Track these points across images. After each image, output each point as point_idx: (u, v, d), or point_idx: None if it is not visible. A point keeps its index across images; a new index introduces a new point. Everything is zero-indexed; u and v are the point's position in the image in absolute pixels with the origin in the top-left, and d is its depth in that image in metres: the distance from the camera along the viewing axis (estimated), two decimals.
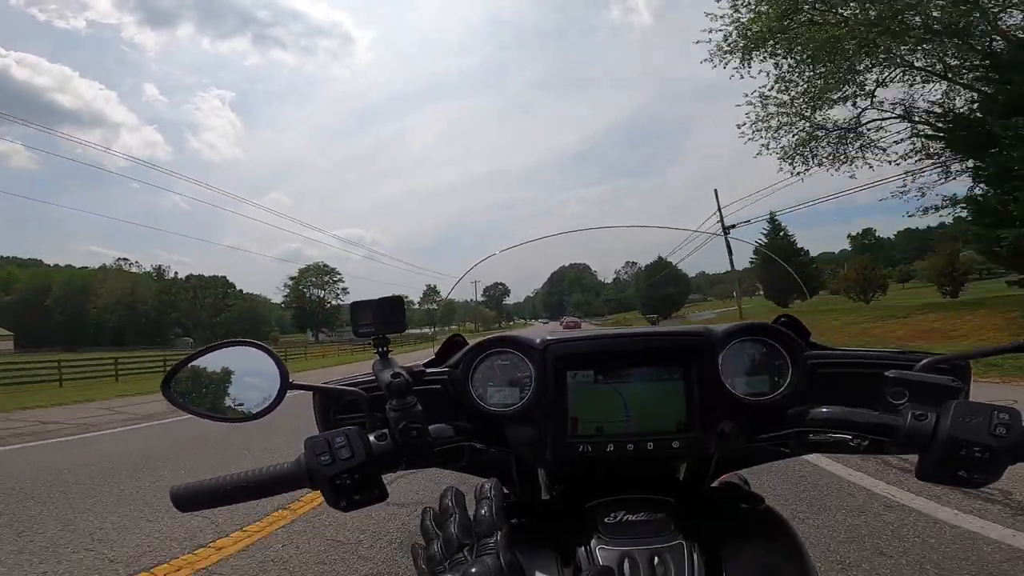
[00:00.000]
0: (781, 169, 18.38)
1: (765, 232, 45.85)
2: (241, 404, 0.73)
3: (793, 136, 17.90)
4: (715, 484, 0.91)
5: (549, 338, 0.78)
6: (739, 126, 18.21)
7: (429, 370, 0.81)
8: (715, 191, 29.57)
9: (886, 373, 0.65)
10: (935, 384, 0.63)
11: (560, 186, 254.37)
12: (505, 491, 0.98)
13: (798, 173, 18.59)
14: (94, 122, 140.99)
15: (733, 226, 27.88)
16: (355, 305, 0.75)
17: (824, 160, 18.20)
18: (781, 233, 46.35)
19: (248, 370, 0.73)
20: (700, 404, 0.74)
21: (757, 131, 17.90)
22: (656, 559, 0.63)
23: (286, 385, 0.69)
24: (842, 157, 18.00)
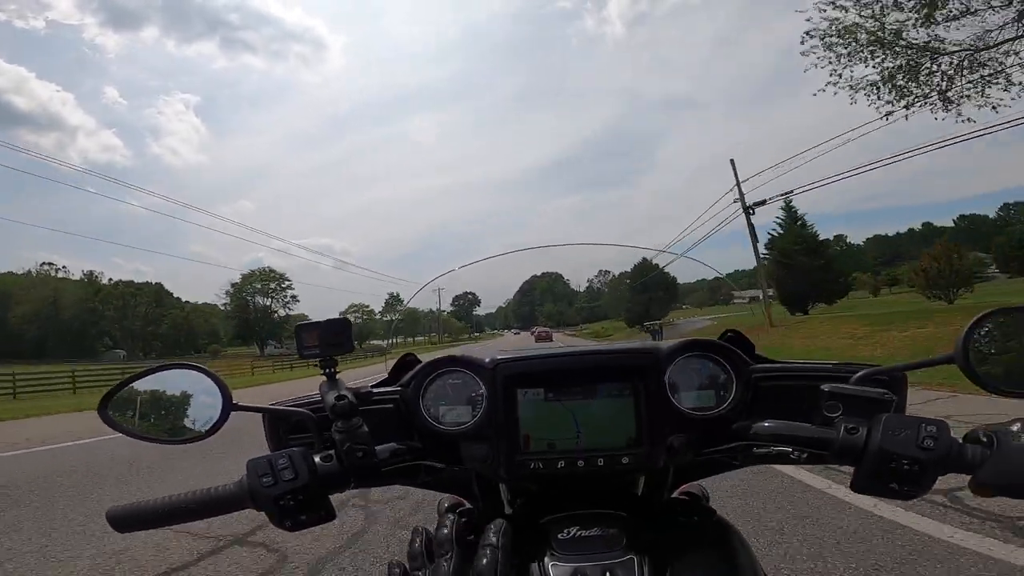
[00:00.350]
0: (854, 102, 13.06)
1: (780, 221, 39.00)
2: (183, 426, 0.72)
3: (887, 61, 12.53)
4: (675, 495, 0.92)
5: (499, 357, 0.79)
6: (807, 34, 13.31)
7: (380, 390, 0.82)
8: (731, 161, 24.73)
9: (822, 387, 0.67)
10: (867, 397, 0.65)
11: (534, 197, 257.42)
12: (468, 506, 0.98)
13: (887, 114, 13.55)
14: (51, 125, 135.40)
15: (762, 202, 24.73)
16: (300, 327, 0.75)
17: (935, 91, 12.47)
18: (799, 223, 38.10)
19: (190, 392, 0.72)
20: (648, 420, 0.75)
21: (831, 47, 12.74)
22: (607, 574, 0.63)
23: (229, 407, 0.69)
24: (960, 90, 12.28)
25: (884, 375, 0.69)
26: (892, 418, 0.61)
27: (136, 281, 71.26)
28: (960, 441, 0.60)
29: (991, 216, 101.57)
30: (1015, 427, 0.58)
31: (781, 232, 39.24)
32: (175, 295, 77.88)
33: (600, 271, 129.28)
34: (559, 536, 0.70)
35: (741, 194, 24.80)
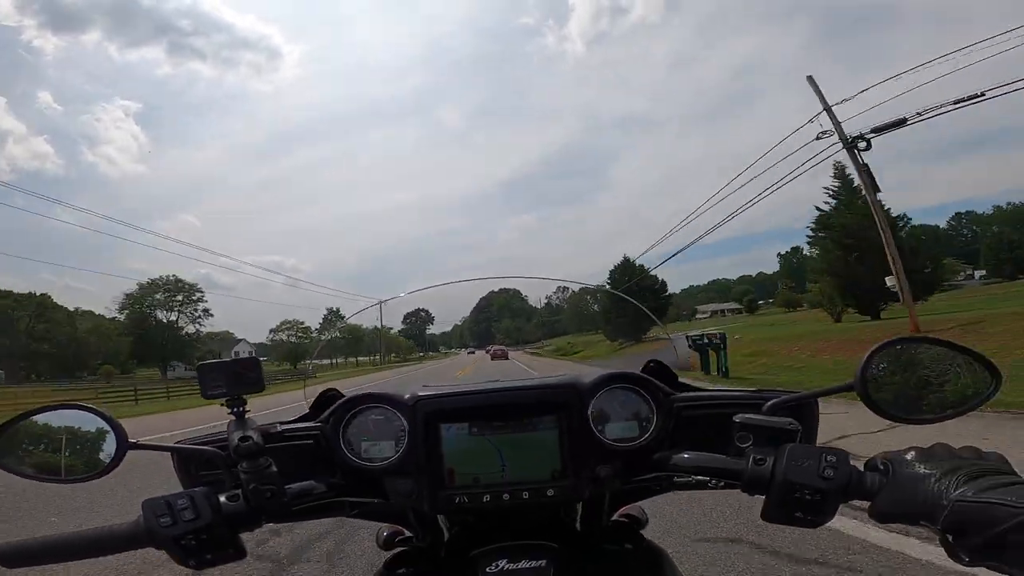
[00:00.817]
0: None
1: (833, 190, 28.27)
2: (76, 465, 0.69)
3: None
4: (615, 516, 0.93)
5: (420, 393, 0.79)
6: None
7: (297, 425, 0.81)
8: (809, 78, 16.33)
9: (733, 417, 0.69)
10: (774, 428, 0.67)
11: (492, 214, 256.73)
12: (407, 534, 0.96)
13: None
14: None
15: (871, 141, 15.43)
16: (202, 367, 0.73)
17: None
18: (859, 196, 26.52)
19: (84, 430, 0.69)
20: (572, 452, 0.76)
21: None
22: None
23: (125, 446, 0.67)
24: None
25: (794, 403, 0.72)
26: (796, 448, 0.63)
27: (16, 292, 58.60)
28: (860, 469, 0.62)
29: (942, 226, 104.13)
30: (909, 455, 0.60)
31: (838, 204, 28.92)
32: (73, 308, 65.87)
33: (558, 288, 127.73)
34: (487, 569, 0.70)
35: (835, 122, 15.97)
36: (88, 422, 0.68)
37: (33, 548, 0.62)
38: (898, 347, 0.67)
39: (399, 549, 0.91)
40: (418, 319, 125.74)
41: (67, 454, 0.69)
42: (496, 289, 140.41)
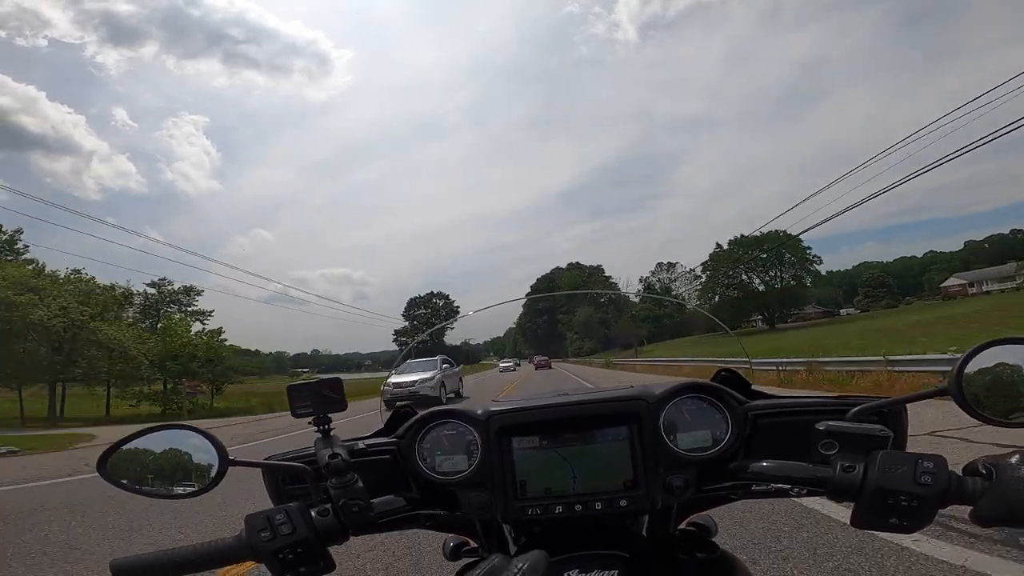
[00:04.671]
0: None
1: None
2: (180, 483, 0.73)
3: None
4: (682, 526, 0.92)
5: (492, 409, 0.81)
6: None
7: (376, 441, 0.84)
8: None
9: (816, 425, 0.67)
10: (863, 435, 0.65)
11: (551, 225, 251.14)
12: (473, 545, 0.98)
13: None
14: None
15: None
16: (292, 388, 0.76)
17: None
18: None
19: (187, 449, 0.73)
20: (644, 462, 0.76)
21: None
22: None
23: (226, 463, 0.71)
24: None
25: (882, 409, 0.69)
26: (888, 455, 0.62)
27: None
28: (959, 474, 0.61)
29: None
30: (1014, 459, 0.59)
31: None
32: None
33: (658, 264, 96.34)
34: None
35: None
36: (192, 441, 0.73)
37: (146, 563, 0.66)
38: (996, 348, 0.64)
39: (467, 560, 0.93)
40: (427, 314, 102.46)
41: (173, 472, 0.73)
42: (564, 266, 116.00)
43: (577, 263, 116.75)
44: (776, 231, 55.76)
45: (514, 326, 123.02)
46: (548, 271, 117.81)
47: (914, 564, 2.57)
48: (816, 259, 70.76)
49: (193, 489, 0.72)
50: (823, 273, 75.59)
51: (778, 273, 70.81)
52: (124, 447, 0.73)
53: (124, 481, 0.73)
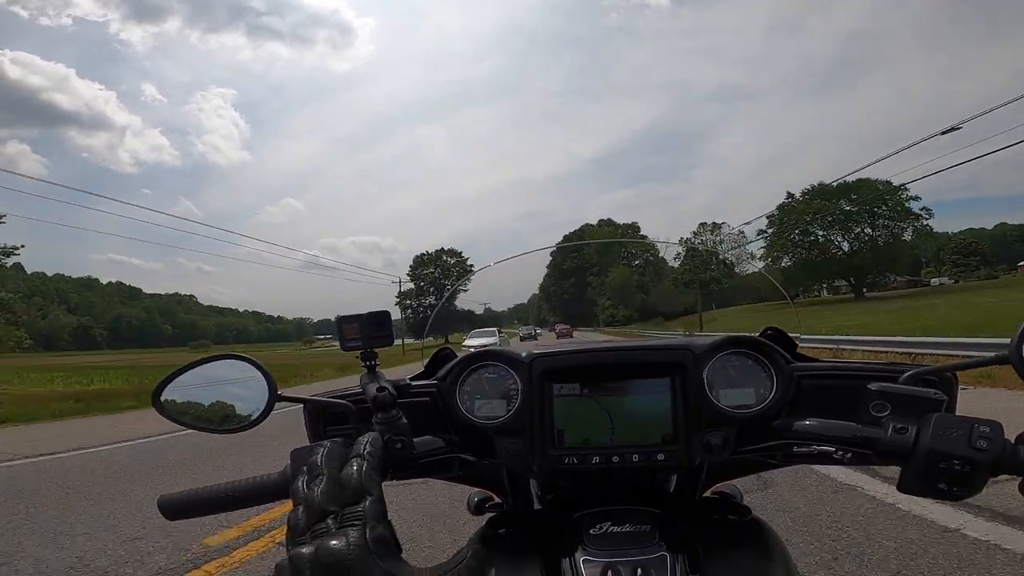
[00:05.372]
0: None
1: None
2: (230, 415, 0.74)
3: None
4: (707, 494, 0.91)
5: (535, 352, 0.80)
6: None
7: (417, 383, 0.83)
8: None
9: (869, 385, 0.66)
10: (917, 397, 0.63)
11: (582, 193, 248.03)
12: (497, 500, 0.99)
13: None
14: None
15: None
16: (341, 319, 0.76)
17: None
18: None
19: (237, 382, 0.74)
20: (685, 417, 0.75)
21: None
22: (639, 570, 0.63)
23: (274, 397, 0.71)
24: None
25: (934, 375, 0.67)
26: (943, 418, 0.60)
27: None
28: (1013, 443, 0.58)
29: None
30: None
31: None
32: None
33: (703, 224, 77.70)
34: (591, 531, 0.70)
35: None
36: (242, 372, 0.73)
37: (192, 500, 0.68)
38: None
39: (491, 514, 0.93)
40: (436, 274, 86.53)
41: (222, 405, 0.75)
42: (595, 223, 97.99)
43: (610, 219, 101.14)
44: (867, 180, 47.59)
45: (538, 291, 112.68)
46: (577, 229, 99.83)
47: (937, 535, 2.55)
48: (925, 213, 57.00)
49: (242, 423, 0.73)
50: (930, 231, 59.40)
51: (868, 230, 57.75)
52: (178, 377, 0.74)
53: (175, 415, 0.74)
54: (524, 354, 0.80)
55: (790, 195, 57.60)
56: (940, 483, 0.58)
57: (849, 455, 0.69)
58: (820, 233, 58.98)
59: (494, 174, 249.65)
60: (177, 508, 0.68)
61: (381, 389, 0.70)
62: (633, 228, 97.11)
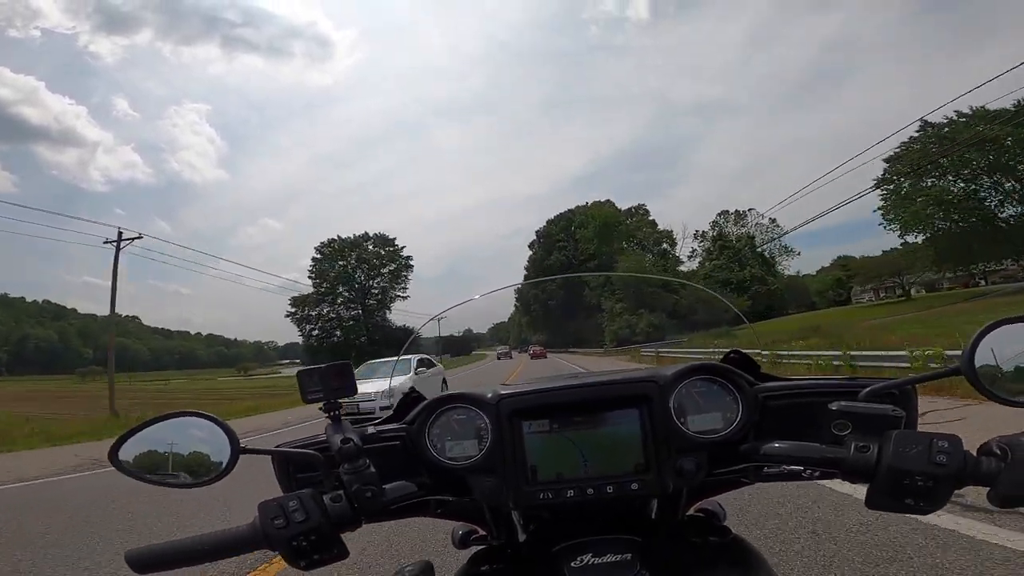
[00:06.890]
0: None
1: None
2: (192, 471, 0.73)
3: None
4: (691, 512, 0.92)
5: (502, 392, 0.80)
6: None
7: (386, 427, 0.83)
8: None
9: (829, 406, 0.67)
10: (876, 415, 0.65)
11: (565, 211, 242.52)
12: (481, 533, 0.98)
13: None
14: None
15: None
16: (301, 372, 0.76)
17: None
18: None
19: (197, 437, 0.73)
20: (655, 445, 0.75)
21: None
22: None
23: (237, 451, 0.71)
24: None
25: (893, 389, 0.69)
26: (903, 434, 0.61)
27: None
28: (974, 455, 0.60)
29: None
30: None
31: None
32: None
33: (724, 212, 62.75)
34: (572, 564, 0.70)
35: None
36: (202, 429, 0.73)
37: (161, 553, 0.66)
38: (1008, 327, 0.64)
39: (476, 548, 0.93)
40: (347, 267, 65.35)
41: (183, 460, 0.73)
42: (587, 202, 77.00)
43: (608, 200, 77.88)
44: None
45: (516, 307, 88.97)
46: (565, 257, 71.39)
47: (933, 539, 2.59)
48: None
49: (205, 478, 0.72)
50: None
51: None
52: (135, 435, 0.73)
53: (134, 470, 0.72)
54: (490, 395, 0.81)
55: (924, 123, 30.92)
56: (906, 499, 0.60)
57: (817, 473, 0.71)
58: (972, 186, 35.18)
59: (480, 191, 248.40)
60: (145, 562, 0.66)
61: (346, 440, 0.70)
62: (641, 210, 75.49)
